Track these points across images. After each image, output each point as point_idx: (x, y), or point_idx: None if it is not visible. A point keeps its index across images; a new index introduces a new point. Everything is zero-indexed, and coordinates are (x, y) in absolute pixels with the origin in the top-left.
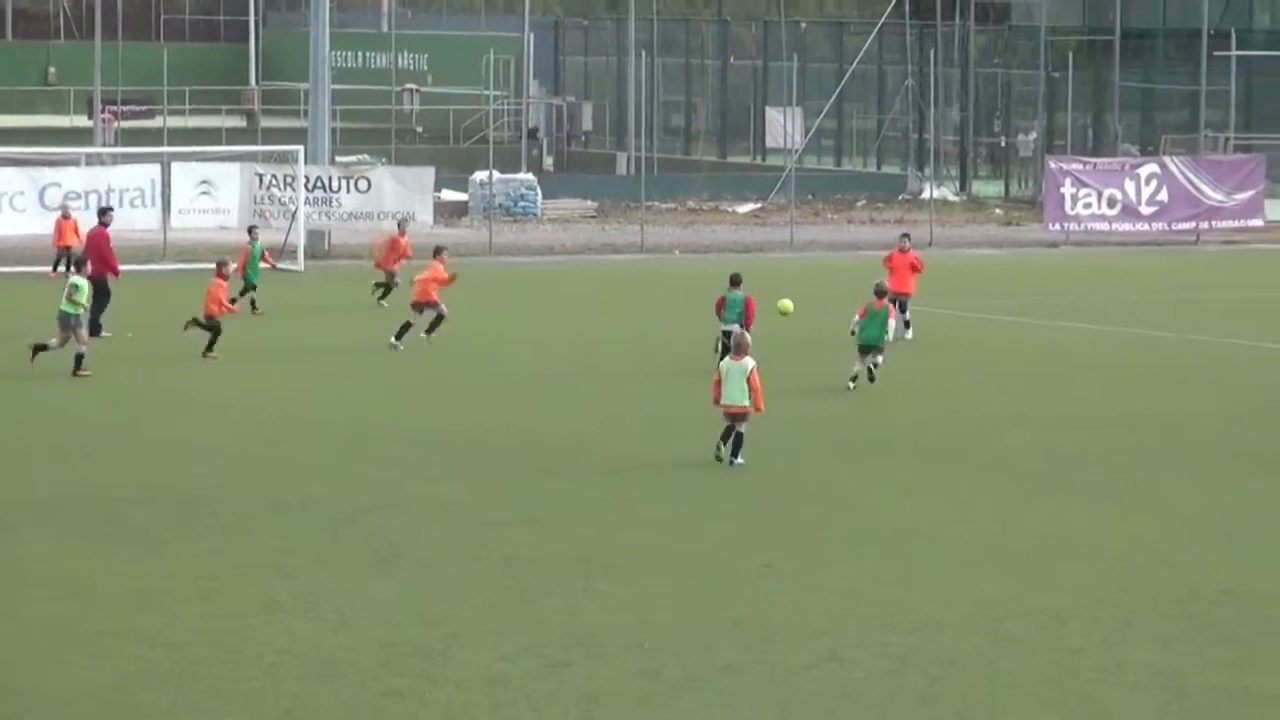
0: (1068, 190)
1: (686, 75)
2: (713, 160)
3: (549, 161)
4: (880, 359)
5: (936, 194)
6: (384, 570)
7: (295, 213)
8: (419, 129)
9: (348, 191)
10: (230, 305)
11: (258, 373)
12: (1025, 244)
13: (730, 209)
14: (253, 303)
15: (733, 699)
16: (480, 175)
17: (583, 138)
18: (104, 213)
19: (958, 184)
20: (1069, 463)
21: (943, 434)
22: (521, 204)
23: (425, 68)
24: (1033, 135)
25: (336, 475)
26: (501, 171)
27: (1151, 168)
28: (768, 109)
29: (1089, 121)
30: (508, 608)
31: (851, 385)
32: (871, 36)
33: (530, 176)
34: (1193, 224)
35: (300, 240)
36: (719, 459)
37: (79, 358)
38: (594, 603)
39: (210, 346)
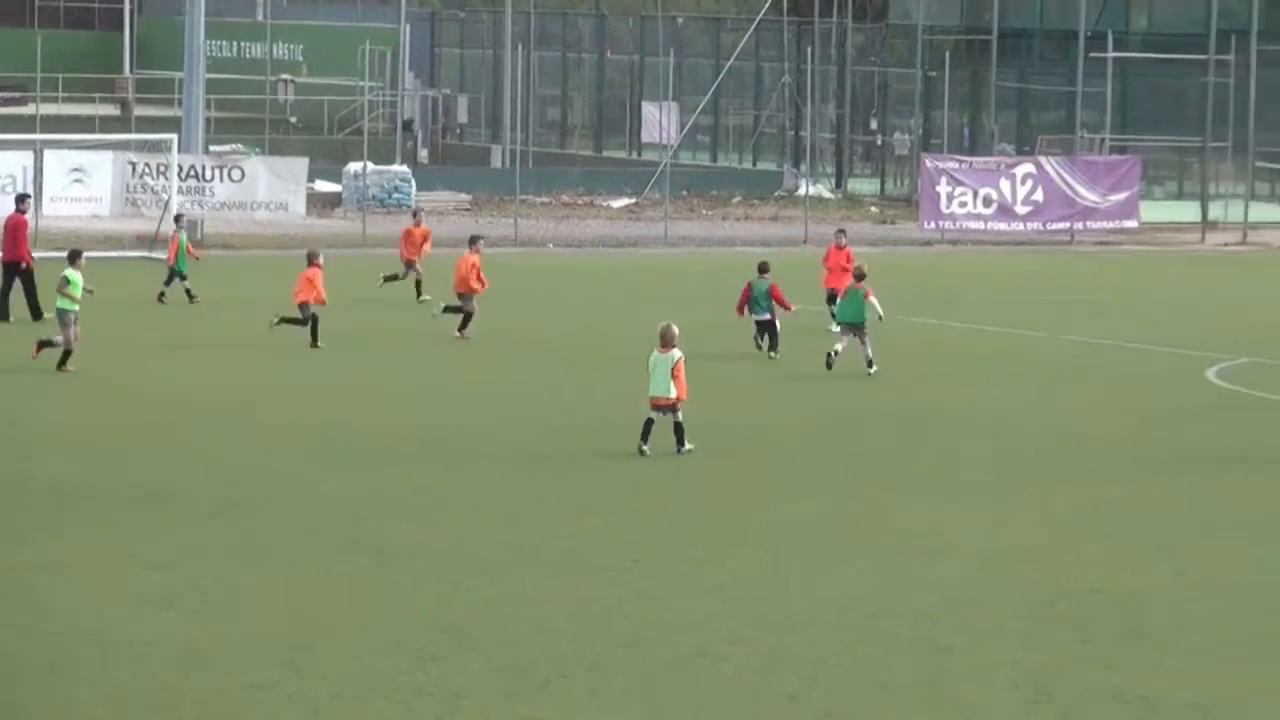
0: (943, 189)
1: (563, 69)
2: (588, 155)
3: (424, 154)
4: (869, 350)
5: (812, 191)
6: (254, 562)
7: (168, 202)
8: (294, 120)
9: (221, 181)
10: (316, 296)
11: (130, 363)
12: (900, 242)
13: (605, 203)
14: (188, 292)
15: (601, 695)
16: (354, 166)
17: (458, 130)
18: (21, 200)
19: (833, 181)
20: (943, 461)
21: (817, 431)
22: (395, 196)
23: (300, 58)
24: (909, 134)
25: (209, 466)
26: (376, 163)
27: (1027, 167)
28: (644, 104)
29: (965, 121)
30: (378, 601)
31: (834, 355)
32: (749, 33)
33: (405, 168)
34: (1067, 224)
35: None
36: (642, 453)
37: (66, 354)
38: (463, 596)
39: (315, 338)
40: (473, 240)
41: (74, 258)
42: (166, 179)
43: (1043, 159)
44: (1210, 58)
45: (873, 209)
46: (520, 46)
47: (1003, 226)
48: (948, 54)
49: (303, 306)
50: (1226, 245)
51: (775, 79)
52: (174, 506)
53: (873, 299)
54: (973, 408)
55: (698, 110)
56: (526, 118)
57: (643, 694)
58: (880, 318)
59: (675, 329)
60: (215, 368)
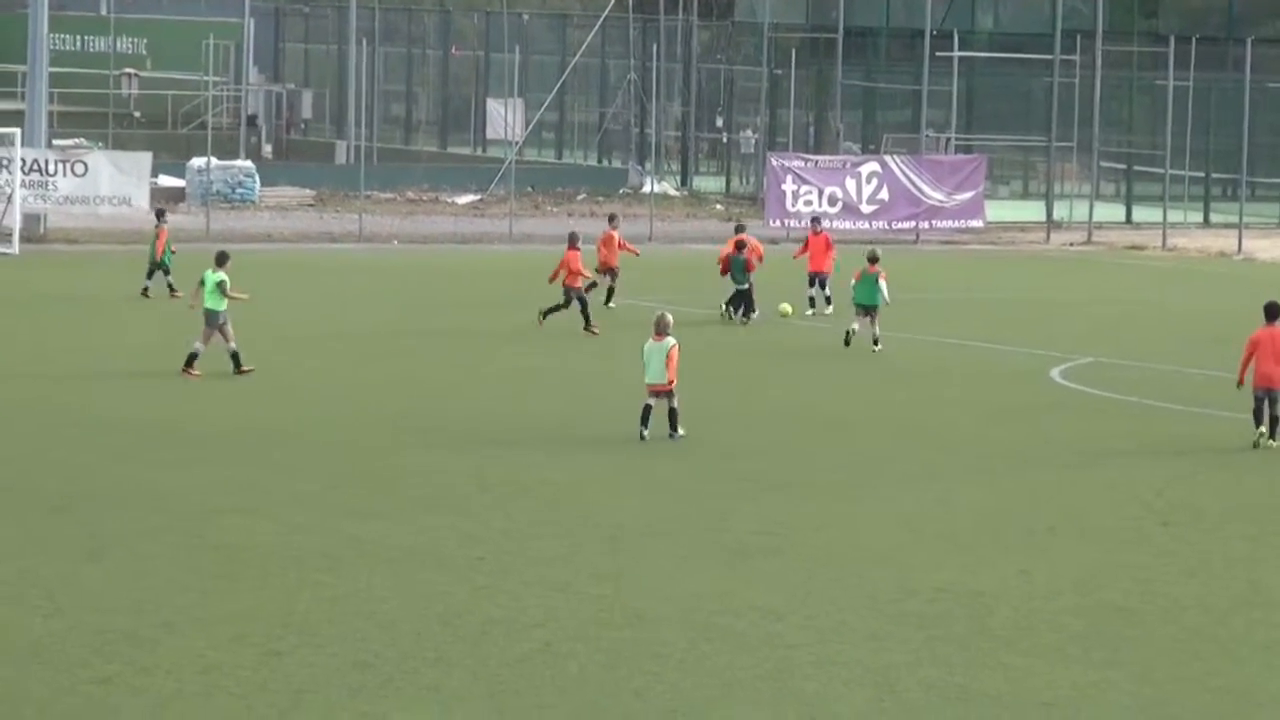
0: (789, 187)
1: (408, 64)
2: (433, 151)
3: (268, 149)
4: (877, 329)
5: (657, 188)
6: (96, 557)
7: (10, 195)
8: (137, 114)
9: (64, 175)
10: (588, 273)
11: None
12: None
13: (450, 200)
14: (170, 286)
15: (444, 691)
16: (198, 161)
17: (302, 125)
18: None
19: (679, 179)
20: (789, 460)
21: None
22: (239, 191)
23: (144, 52)
24: (754, 132)
25: (50, 462)
26: (220, 158)
27: (873, 166)
28: (489, 100)
29: (811, 119)
30: (221, 596)
31: (850, 335)
32: (595, 30)
33: (249, 163)
34: (913, 223)
35: (16, 223)
36: (642, 438)
37: (234, 355)
38: (308, 592)
39: (587, 323)
40: (612, 218)
41: (221, 259)
42: (9, 173)
43: (888, 158)
44: (1055, 57)
45: (718, 206)
46: (365, 42)
47: (848, 225)
48: (794, 52)
49: (567, 290)
50: (1071, 245)
51: (621, 76)
52: (15, 501)
53: (883, 283)
54: (818, 407)
55: (543, 107)
56: (371, 113)
57: (487, 690)
58: (887, 302)
59: (670, 317)
60: (52, 362)
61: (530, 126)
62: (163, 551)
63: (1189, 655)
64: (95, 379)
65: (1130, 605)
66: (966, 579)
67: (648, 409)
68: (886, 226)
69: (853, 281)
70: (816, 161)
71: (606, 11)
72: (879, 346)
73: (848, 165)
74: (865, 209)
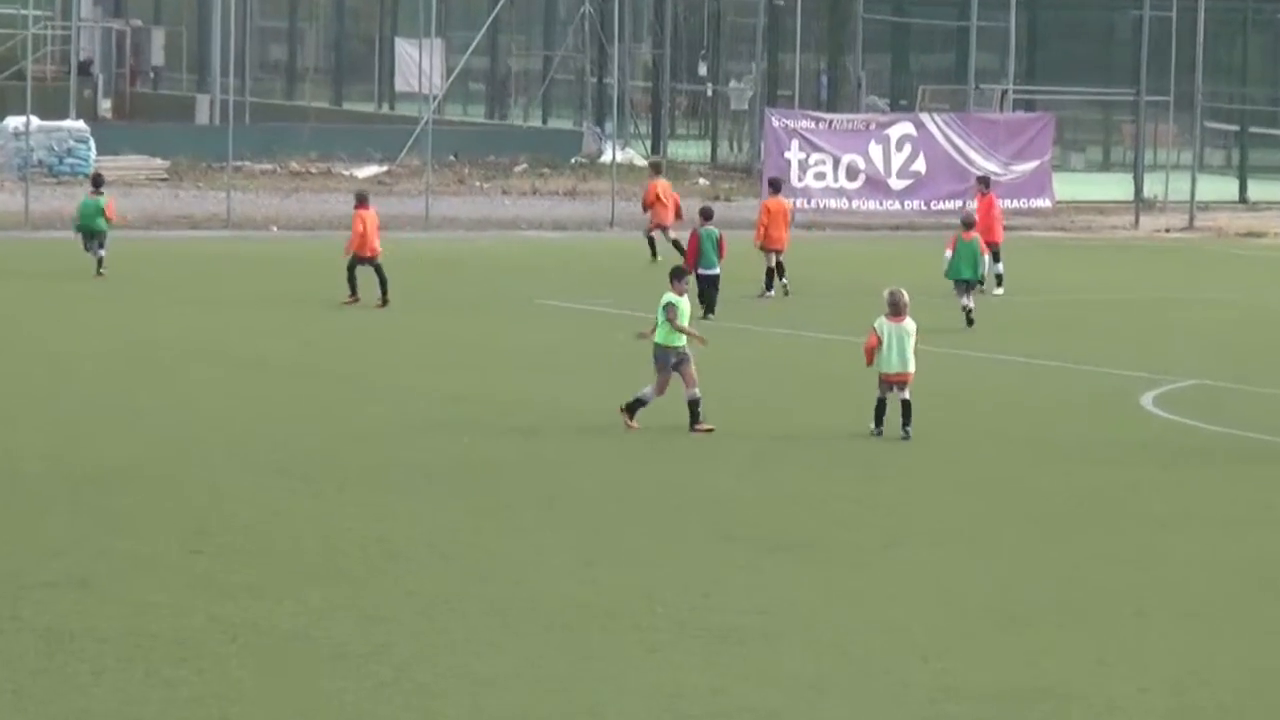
0: (794, 155)
1: None
2: (324, 108)
3: (106, 106)
4: (971, 301)
5: (621, 157)
6: None
7: None
8: None
9: None
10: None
11: None
12: (737, 225)
13: (347, 172)
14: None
15: None
16: (14, 122)
17: (151, 75)
18: None
19: (649, 145)
20: (796, 512)
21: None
22: (69, 161)
23: None
24: (749, 82)
25: None
26: (43, 118)
27: (905, 128)
28: (398, 41)
29: (823, 66)
30: (46, 695)
31: (971, 317)
32: None
33: (82, 125)
34: (958, 203)
35: None
36: (879, 434)
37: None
38: (157, 693)
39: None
40: (656, 167)
41: (676, 275)
42: None
43: (925, 116)
44: None
45: (701, 181)
46: None
47: (873, 205)
48: None
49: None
50: (1167, 231)
51: (573, 9)
52: None
53: (986, 256)
54: (837, 438)
55: (469, 50)
56: (242, 59)
57: None
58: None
59: (906, 295)
60: None
61: (453, 76)
62: None
63: None
64: None
65: (1242, 707)
66: (1026, 673)
67: (882, 403)
68: (923, 207)
69: (947, 253)
70: (831, 122)
71: None
72: (973, 318)
73: (872, 126)
74: (895, 184)
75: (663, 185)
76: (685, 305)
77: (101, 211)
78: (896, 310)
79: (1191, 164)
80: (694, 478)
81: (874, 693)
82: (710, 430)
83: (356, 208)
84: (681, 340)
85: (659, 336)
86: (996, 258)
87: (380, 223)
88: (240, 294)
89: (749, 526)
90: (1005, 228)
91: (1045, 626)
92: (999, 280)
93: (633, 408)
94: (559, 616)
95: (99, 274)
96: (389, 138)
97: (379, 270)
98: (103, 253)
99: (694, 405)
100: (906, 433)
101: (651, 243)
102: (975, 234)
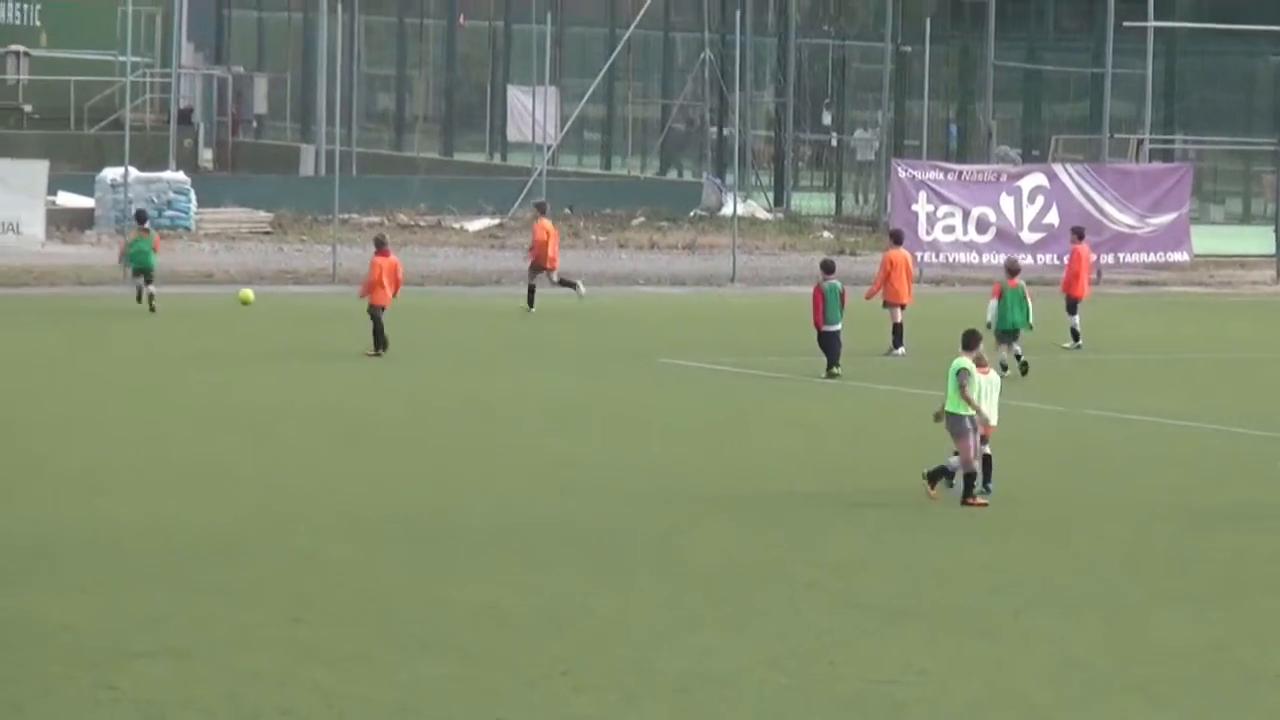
0: (921, 207)
1: (400, 40)
2: (434, 158)
3: (207, 156)
4: (1019, 348)
5: (742, 209)
6: None
7: None
8: (27, 107)
9: None
10: None
11: None
12: (863, 281)
13: (457, 225)
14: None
15: None
16: (112, 173)
17: (254, 124)
18: None
19: (771, 196)
20: (916, 577)
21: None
22: (169, 214)
23: (37, 22)
24: (875, 132)
25: None
26: (142, 169)
27: (1037, 179)
28: (511, 89)
29: (952, 114)
30: None
31: (1004, 374)
32: None
33: (181, 176)
34: (1093, 257)
35: None
36: (950, 485)
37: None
38: None
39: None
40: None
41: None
42: None
43: (1058, 167)
44: None
45: (825, 234)
46: (340, 8)
47: (1003, 259)
48: (928, 22)
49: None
50: None
51: (692, 55)
52: None
53: (1030, 302)
54: (951, 500)
55: (585, 98)
56: (349, 108)
57: None
58: (1031, 325)
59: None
60: None
61: (568, 125)
62: (61, 710)
63: None
64: None
65: None
66: None
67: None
68: (1056, 261)
69: (992, 301)
70: (960, 173)
71: None
72: (1006, 374)
73: (1003, 178)
74: (1027, 237)
75: (549, 225)
76: (978, 375)
77: (152, 247)
78: (982, 362)
79: None
80: (814, 543)
81: None
82: (984, 505)
83: (375, 254)
84: (968, 411)
85: (950, 405)
86: (1072, 310)
87: (489, 276)
88: (345, 351)
89: (874, 594)
90: (1140, 283)
91: (1182, 698)
92: (1075, 335)
93: (934, 476)
94: (679, 684)
95: (151, 309)
96: (501, 189)
97: (378, 318)
98: (151, 289)
99: (970, 478)
100: (988, 489)
101: (531, 291)
102: (1020, 281)
